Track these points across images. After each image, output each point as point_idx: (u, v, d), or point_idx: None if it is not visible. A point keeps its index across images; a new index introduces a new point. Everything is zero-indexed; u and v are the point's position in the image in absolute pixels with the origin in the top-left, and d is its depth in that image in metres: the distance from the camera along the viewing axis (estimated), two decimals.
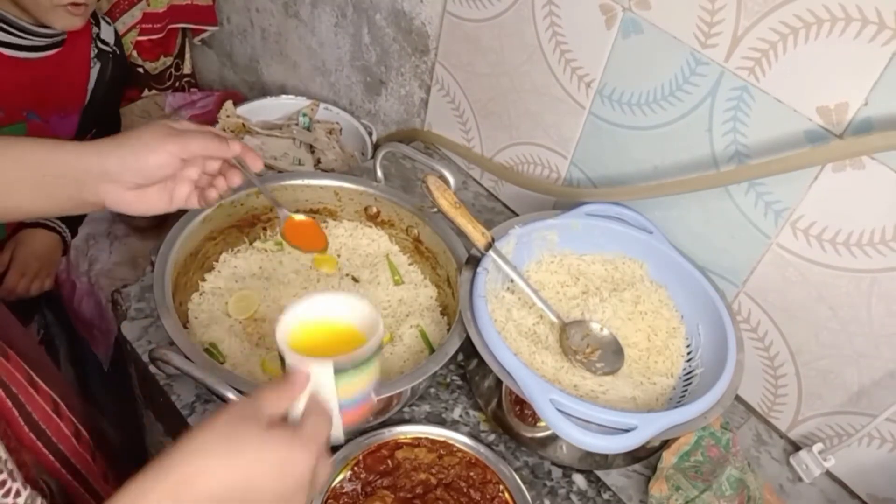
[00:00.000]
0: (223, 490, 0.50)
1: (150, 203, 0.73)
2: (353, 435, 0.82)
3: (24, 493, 0.57)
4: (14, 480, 0.56)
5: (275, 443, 0.52)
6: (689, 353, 0.89)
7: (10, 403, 0.62)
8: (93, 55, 1.36)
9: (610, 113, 0.96)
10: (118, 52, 1.42)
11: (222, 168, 0.76)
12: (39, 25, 1.19)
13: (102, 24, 1.38)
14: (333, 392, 0.58)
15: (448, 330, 0.87)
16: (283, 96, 1.44)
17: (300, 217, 0.85)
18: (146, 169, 0.69)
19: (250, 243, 0.98)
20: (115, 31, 1.42)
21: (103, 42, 1.38)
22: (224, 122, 1.34)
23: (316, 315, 0.63)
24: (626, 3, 0.88)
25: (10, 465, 0.56)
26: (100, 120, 1.42)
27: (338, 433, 0.61)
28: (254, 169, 0.77)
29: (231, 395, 0.71)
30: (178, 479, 0.49)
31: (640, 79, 0.91)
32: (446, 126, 1.23)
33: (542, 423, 0.77)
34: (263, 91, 1.70)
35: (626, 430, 0.71)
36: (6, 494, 0.55)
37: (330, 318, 0.64)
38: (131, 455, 1.18)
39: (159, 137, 0.69)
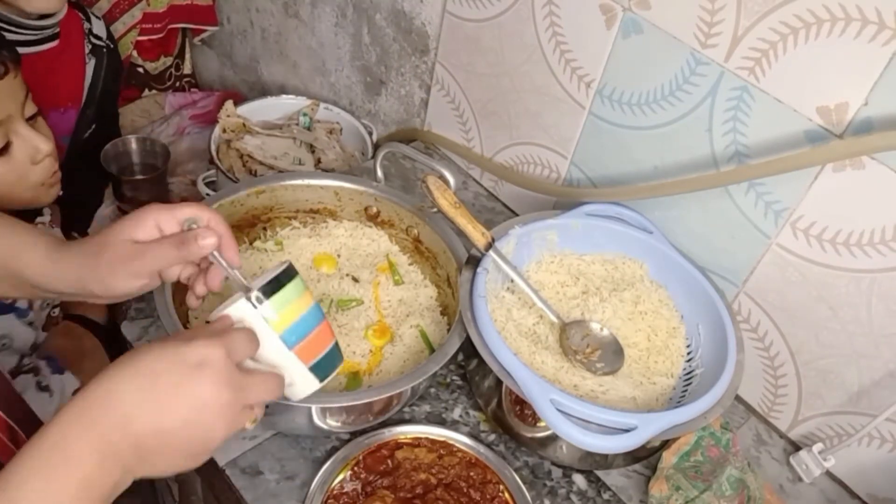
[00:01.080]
0: (133, 399, 0.50)
1: (135, 293, 0.67)
2: (352, 435, 0.82)
3: None
4: None
5: (172, 342, 0.52)
6: (689, 353, 0.89)
7: None
8: (87, 51, 1.34)
9: (610, 113, 0.96)
10: (112, 46, 1.40)
11: (202, 264, 0.69)
12: (27, 17, 1.16)
13: (93, 18, 1.36)
14: (266, 327, 0.57)
15: (448, 330, 0.87)
16: (284, 96, 1.44)
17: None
18: (113, 292, 0.65)
19: (250, 243, 0.98)
20: (106, 26, 1.40)
21: (96, 37, 1.36)
22: (224, 121, 1.34)
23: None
24: (626, 3, 0.88)
25: None
26: (98, 116, 1.41)
27: (309, 381, 0.60)
28: (231, 264, 0.66)
29: None
30: (90, 406, 0.49)
31: (640, 79, 0.91)
32: (446, 126, 1.23)
33: (542, 423, 0.77)
34: (263, 91, 1.70)
35: (626, 430, 0.71)
36: None
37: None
38: None
39: (119, 262, 0.64)
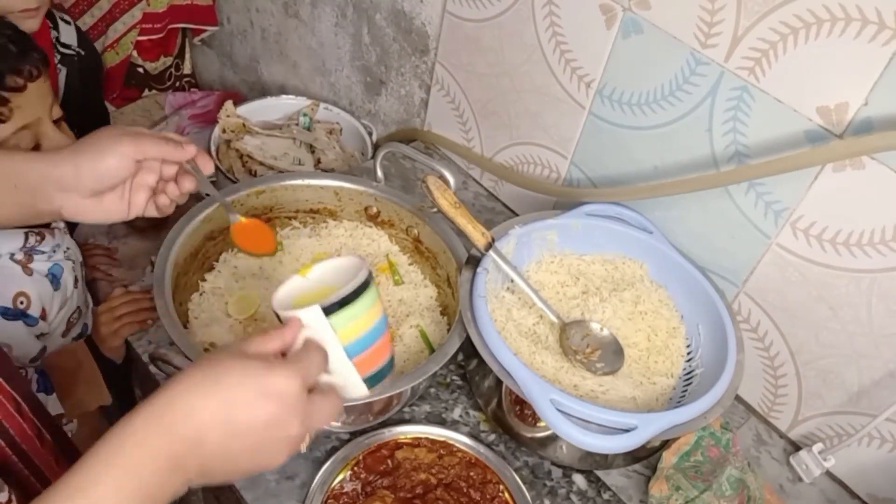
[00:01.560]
0: (207, 416, 0.50)
1: (107, 210, 0.71)
2: (352, 435, 0.82)
3: None
4: None
5: (255, 366, 0.52)
6: (689, 353, 0.89)
7: None
8: (56, 61, 1.31)
9: (610, 113, 0.96)
10: (83, 52, 1.37)
11: (177, 172, 0.74)
12: None
13: (61, 25, 1.33)
14: (333, 337, 0.57)
15: (448, 330, 0.87)
16: (284, 96, 1.44)
17: (246, 219, 0.82)
18: (101, 173, 0.68)
19: None
20: (78, 29, 1.37)
21: (64, 45, 1.33)
22: (224, 121, 1.34)
23: (311, 287, 0.62)
24: (626, 3, 0.88)
25: None
26: (83, 122, 1.39)
27: (358, 388, 0.60)
28: (204, 171, 0.74)
29: None
30: (162, 410, 0.50)
31: (640, 79, 0.91)
32: (446, 126, 1.23)
33: (542, 423, 0.77)
34: (263, 91, 1.70)
35: (626, 430, 0.71)
36: None
37: (325, 286, 0.62)
38: None
39: (114, 140, 0.68)
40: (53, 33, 1.31)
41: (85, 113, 1.39)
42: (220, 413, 0.50)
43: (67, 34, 1.34)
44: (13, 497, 0.59)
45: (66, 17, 1.35)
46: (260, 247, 0.83)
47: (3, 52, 0.93)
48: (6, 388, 0.66)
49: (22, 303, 0.98)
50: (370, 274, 0.60)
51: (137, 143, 0.69)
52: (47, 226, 1.06)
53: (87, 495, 0.47)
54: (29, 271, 0.99)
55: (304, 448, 0.57)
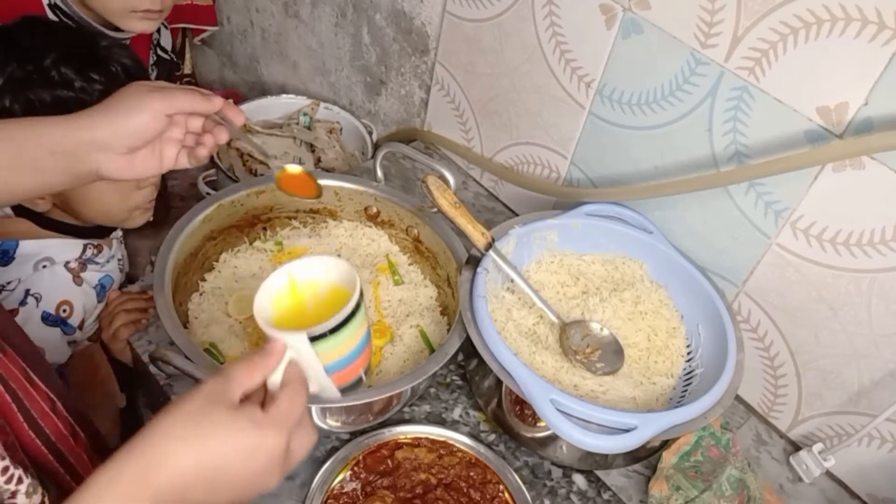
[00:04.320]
0: (192, 473, 0.50)
1: (141, 167, 0.72)
2: (352, 435, 0.82)
3: (27, 481, 0.57)
4: (16, 468, 0.56)
5: (244, 426, 0.52)
6: (689, 353, 0.89)
7: (8, 398, 0.62)
8: (151, 62, 1.32)
9: (610, 113, 0.96)
10: (174, 59, 1.39)
11: (206, 125, 0.75)
12: (106, 27, 1.13)
13: (162, 29, 1.35)
14: (315, 359, 0.58)
15: (448, 330, 0.87)
16: (284, 95, 1.45)
17: (294, 169, 0.82)
18: (136, 130, 0.69)
19: (250, 243, 0.98)
20: (173, 38, 1.39)
21: (162, 49, 1.35)
22: None
23: (299, 278, 0.63)
24: (626, 3, 0.88)
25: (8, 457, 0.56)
26: None
27: (331, 393, 0.61)
28: (236, 123, 0.75)
29: None
30: (146, 464, 0.49)
31: (640, 79, 0.91)
32: (446, 126, 1.23)
33: (542, 423, 0.77)
34: (263, 91, 1.70)
35: (626, 430, 0.71)
36: (9, 481, 0.55)
37: (312, 279, 0.63)
38: None
39: (143, 96, 0.69)
40: (155, 36, 1.32)
41: None
42: (208, 466, 0.51)
43: (165, 39, 1.36)
44: (46, 499, 0.59)
45: (165, 23, 1.36)
46: (304, 191, 0.83)
47: (113, 78, 0.94)
48: (41, 387, 0.66)
49: (65, 311, 0.98)
50: (361, 296, 0.60)
51: (168, 97, 0.69)
52: (105, 236, 1.07)
53: None
54: (79, 281, 1.00)
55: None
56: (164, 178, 1.35)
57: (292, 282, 0.62)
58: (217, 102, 0.73)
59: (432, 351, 0.88)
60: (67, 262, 0.99)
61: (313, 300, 0.63)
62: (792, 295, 0.87)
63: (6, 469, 0.55)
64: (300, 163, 1.32)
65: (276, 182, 0.80)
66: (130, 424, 1.12)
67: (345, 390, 0.62)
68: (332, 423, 0.81)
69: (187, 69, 1.75)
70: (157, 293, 0.80)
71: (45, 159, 0.67)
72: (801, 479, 0.91)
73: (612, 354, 0.86)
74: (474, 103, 1.16)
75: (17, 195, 0.70)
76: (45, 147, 0.67)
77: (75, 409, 0.72)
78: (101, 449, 0.74)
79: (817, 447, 0.89)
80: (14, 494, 0.56)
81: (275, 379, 0.56)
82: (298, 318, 0.62)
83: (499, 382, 0.78)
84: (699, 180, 0.87)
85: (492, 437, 0.87)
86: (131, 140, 0.69)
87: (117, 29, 1.13)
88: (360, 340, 0.62)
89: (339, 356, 0.60)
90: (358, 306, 0.59)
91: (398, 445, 0.81)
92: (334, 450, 0.81)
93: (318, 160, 1.34)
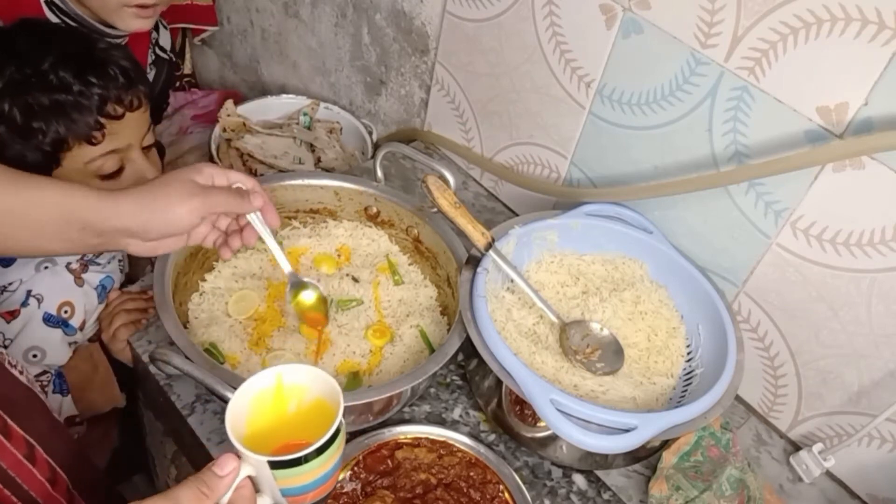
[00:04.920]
0: None
1: (166, 247, 0.75)
2: (352, 435, 0.82)
3: None
4: None
5: None
6: (689, 353, 0.89)
7: None
8: (150, 61, 1.32)
9: (610, 113, 0.96)
10: (173, 58, 1.39)
11: (239, 221, 0.78)
12: (103, 24, 1.12)
13: (161, 28, 1.34)
14: (272, 481, 0.56)
15: (448, 330, 0.87)
16: (284, 95, 1.45)
17: (309, 300, 0.86)
18: (168, 226, 0.71)
19: None
20: (172, 37, 1.38)
21: (161, 48, 1.34)
22: (224, 121, 1.34)
23: (287, 381, 0.61)
24: (626, 3, 0.88)
25: None
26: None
27: None
28: (271, 226, 0.78)
29: (230, 395, 0.71)
30: None
31: (640, 79, 0.91)
32: (446, 126, 1.23)
33: (542, 423, 0.77)
34: (263, 91, 1.70)
35: (626, 430, 0.71)
36: None
37: (300, 384, 0.61)
38: (130, 456, 1.18)
39: (185, 198, 0.70)
40: (154, 35, 1.32)
41: (152, 115, 1.39)
42: None
43: (164, 38, 1.36)
44: None
45: (164, 22, 1.36)
46: (314, 324, 0.88)
47: (111, 81, 0.94)
48: (19, 434, 0.66)
49: (66, 312, 0.98)
50: (340, 426, 0.58)
51: (207, 200, 0.71)
52: None
53: None
54: (80, 282, 1.00)
55: None
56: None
57: (279, 384, 0.61)
58: (257, 202, 0.76)
59: (432, 351, 0.88)
60: (69, 263, 0.99)
61: (297, 404, 0.62)
62: (792, 295, 0.87)
63: None
64: (300, 162, 1.33)
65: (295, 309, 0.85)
66: (130, 424, 1.12)
67: None
68: None
69: (187, 69, 1.75)
70: (157, 293, 0.80)
71: (71, 233, 0.69)
72: (801, 479, 0.91)
73: (612, 354, 0.86)
74: (474, 103, 1.16)
75: (43, 252, 0.73)
76: (73, 225, 0.68)
77: (59, 449, 0.71)
78: (85, 485, 0.73)
79: (817, 447, 0.89)
80: None
81: (223, 500, 0.55)
82: (276, 419, 0.61)
83: (499, 382, 0.78)
84: (699, 180, 0.87)
85: (492, 437, 0.87)
86: (161, 234, 0.71)
87: (110, 26, 1.13)
88: (327, 471, 0.59)
89: (299, 483, 0.58)
90: (333, 438, 0.57)
91: (398, 445, 0.81)
92: None
93: (318, 160, 1.34)
